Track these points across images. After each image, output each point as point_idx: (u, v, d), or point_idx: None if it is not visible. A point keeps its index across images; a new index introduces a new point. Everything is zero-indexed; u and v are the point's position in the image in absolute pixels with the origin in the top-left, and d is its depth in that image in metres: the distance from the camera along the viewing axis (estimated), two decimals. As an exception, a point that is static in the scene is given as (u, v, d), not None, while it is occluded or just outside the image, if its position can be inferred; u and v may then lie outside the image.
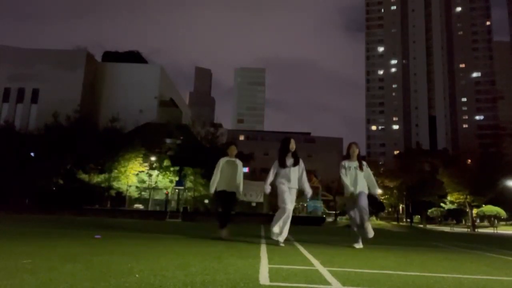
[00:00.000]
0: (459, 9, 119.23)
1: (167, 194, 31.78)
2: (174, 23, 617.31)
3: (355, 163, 6.20)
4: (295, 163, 5.81)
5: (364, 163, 6.25)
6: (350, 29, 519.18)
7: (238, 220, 17.57)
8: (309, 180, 6.35)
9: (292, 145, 5.83)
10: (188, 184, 30.60)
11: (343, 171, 6.21)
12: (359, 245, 5.93)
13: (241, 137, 74.05)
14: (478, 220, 48.37)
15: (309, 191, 5.90)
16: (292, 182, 5.73)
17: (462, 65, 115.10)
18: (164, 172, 30.82)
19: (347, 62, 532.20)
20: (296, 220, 16.67)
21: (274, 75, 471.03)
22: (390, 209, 61.94)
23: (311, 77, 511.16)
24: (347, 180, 6.13)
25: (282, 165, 5.77)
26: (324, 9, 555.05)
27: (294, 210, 6.16)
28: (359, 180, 6.11)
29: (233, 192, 6.46)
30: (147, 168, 30.98)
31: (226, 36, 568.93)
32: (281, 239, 5.57)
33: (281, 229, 5.57)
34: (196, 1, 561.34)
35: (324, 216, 39.95)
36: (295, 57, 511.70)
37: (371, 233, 5.86)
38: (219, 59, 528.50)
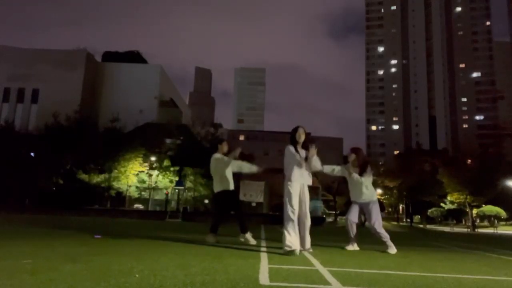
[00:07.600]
0: (459, 9, 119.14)
1: (167, 194, 31.76)
2: (174, 25, 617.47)
3: (356, 169, 5.93)
4: (307, 157, 4.97)
5: (367, 170, 5.93)
6: (332, 36, 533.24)
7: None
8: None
9: (300, 135, 4.99)
10: (188, 184, 30.58)
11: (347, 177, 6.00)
12: (350, 247, 5.77)
13: (241, 137, 73.95)
14: (478, 220, 48.29)
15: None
16: (305, 178, 4.98)
17: (462, 65, 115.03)
18: (164, 172, 30.80)
19: (337, 66, 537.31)
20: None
21: (268, 79, 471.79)
22: (390, 209, 61.93)
23: (304, 81, 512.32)
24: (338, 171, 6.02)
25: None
26: (310, 17, 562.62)
27: None
28: (363, 186, 5.87)
29: (233, 190, 6.09)
30: (147, 168, 30.96)
31: (225, 40, 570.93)
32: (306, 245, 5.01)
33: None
34: (194, 3, 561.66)
35: (324, 216, 39.94)
36: (286, 61, 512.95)
37: (393, 250, 5.65)
38: (219, 59, 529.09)
